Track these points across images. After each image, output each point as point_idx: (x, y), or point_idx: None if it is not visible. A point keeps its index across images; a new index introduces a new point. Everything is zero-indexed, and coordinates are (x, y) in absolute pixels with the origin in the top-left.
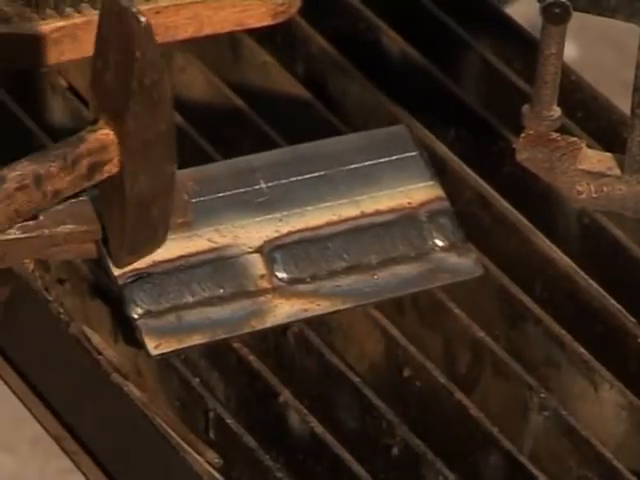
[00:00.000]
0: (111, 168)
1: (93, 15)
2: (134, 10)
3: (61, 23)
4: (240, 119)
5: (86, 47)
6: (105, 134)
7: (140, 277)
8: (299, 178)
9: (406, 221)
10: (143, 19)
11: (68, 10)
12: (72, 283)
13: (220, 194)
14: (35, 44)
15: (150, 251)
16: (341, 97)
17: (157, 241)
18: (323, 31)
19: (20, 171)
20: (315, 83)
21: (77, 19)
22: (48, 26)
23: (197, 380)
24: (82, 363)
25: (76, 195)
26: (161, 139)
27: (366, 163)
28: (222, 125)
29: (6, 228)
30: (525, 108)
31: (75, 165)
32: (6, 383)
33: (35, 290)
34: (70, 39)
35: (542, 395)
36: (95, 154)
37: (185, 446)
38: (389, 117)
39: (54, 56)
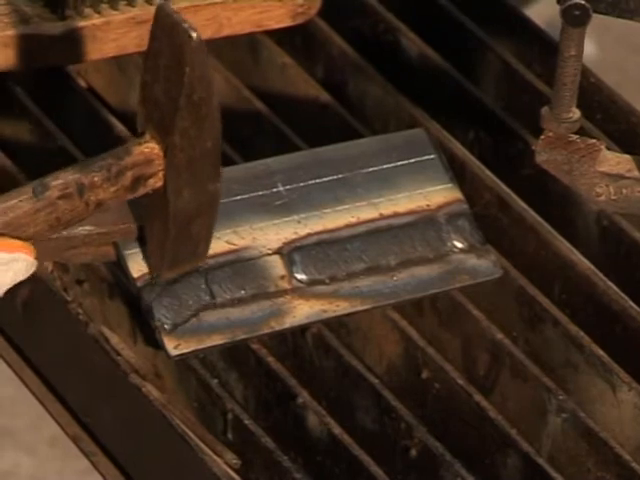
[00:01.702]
0: (155, 182)
1: (112, 16)
2: (186, 25)
3: (81, 24)
4: (259, 120)
5: (105, 48)
6: (151, 148)
7: (158, 284)
8: (317, 181)
9: (425, 223)
10: (194, 34)
11: (87, 11)
12: (91, 284)
13: (238, 197)
14: (54, 45)
15: (190, 266)
16: (360, 99)
17: (197, 256)
18: (342, 32)
19: (63, 180)
20: (334, 85)
21: (96, 20)
22: (67, 27)
23: (216, 381)
24: (101, 364)
25: None
26: (206, 156)
27: (384, 166)
28: (241, 126)
29: (47, 236)
30: (544, 110)
31: (119, 177)
32: (25, 384)
33: (54, 291)
34: (89, 40)
35: (560, 397)
36: (140, 167)
37: (203, 447)
38: (408, 119)
39: (73, 57)
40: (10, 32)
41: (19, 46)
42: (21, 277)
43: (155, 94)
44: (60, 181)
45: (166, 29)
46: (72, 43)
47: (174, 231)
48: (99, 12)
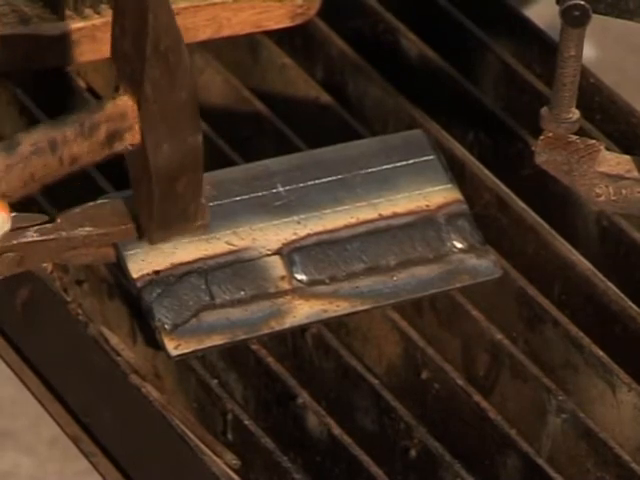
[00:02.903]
0: (132, 137)
1: (111, 16)
2: None
3: (80, 24)
4: (259, 120)
5: (105, 48)
6: (124, 101)
7: (158, 281)
8: (316, 182)
9: (424, 223)
10: None
11: (87, 11)
12: (90, 284)
13: (238, 198)
14: (54, 45)
15: (183, 230)
16: (360, 99)
17: (189, 219)
18: (342, 33)
19: (34, 135)
20: (334, 85)
21: (96, 20)
22: (67, 27)
23: (215, 382)
24: (100, 364)
25: (96, 197)
26: (182, 107)
27: (383, 167)
28: (240, 126)
29: (21, 193)
30: (544, 110)
31: (93, 131)
32: (25, 384)
33: (54, 291)
34: (89, 40)
35: (560, 397)
36: (114, 121)
37: (203, 448)
38: (408, 119)
39: (73, 57)
40: (10, 32)
41: (19, 46)
42: None
43: (124, 48)
44: (32, 136)
45: None
46: (72, 43)
47: (158, 189)
48: (98, 12)
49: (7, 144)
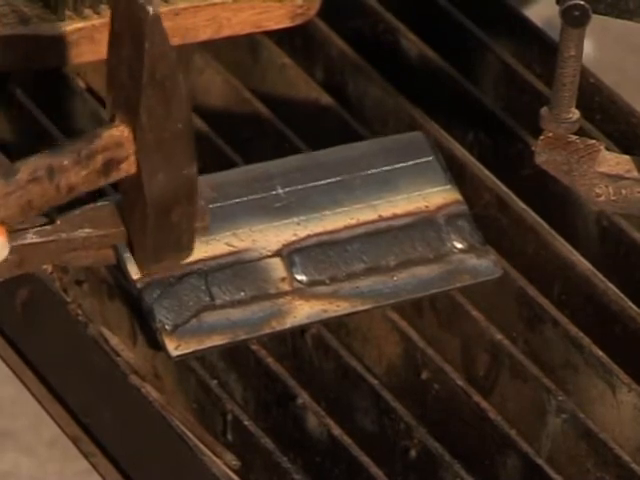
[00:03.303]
0: (128, 167)
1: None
2: (142, 1)
3: (80, 24)
4: (259, 121)
5: (104, 49)
6: (120, 130)
7: (158, 281)
8: (316, 184)
9: (424, 224)
10: (151, 9)
11: (87, 12)
12: (90, 284)
13: (237, 200)
14: (53, 45)
15: (175, 260)
16: (360, 99)
17: (181, 249)
18: (342, 33)
19: (32, 163)
20: (334, 85)
21: (95, 20)
22: (66, 27)
23: (215, 382)
24: (100, 365)
25: (96, 199)
26: (178, 138)
27: (383, 168)
28: (240, 127)
29: (19, 222)
30: (544, 110)
31: (89, 160)
32: (24, 384)
33: (53, 291)
34: (88, 40)
35: (560, 398)
36: (110, 150)
37: (203, 448)
38: (408, 119)
39: (72, 57)
40: (9, 33)
41: (18, 46)
42: None
43: (120, 77)
44: (29, 165)
45: (125, 8)
46: (71, 44)
47: (153, 218)
48: (98, 13)
49: (5, 171)
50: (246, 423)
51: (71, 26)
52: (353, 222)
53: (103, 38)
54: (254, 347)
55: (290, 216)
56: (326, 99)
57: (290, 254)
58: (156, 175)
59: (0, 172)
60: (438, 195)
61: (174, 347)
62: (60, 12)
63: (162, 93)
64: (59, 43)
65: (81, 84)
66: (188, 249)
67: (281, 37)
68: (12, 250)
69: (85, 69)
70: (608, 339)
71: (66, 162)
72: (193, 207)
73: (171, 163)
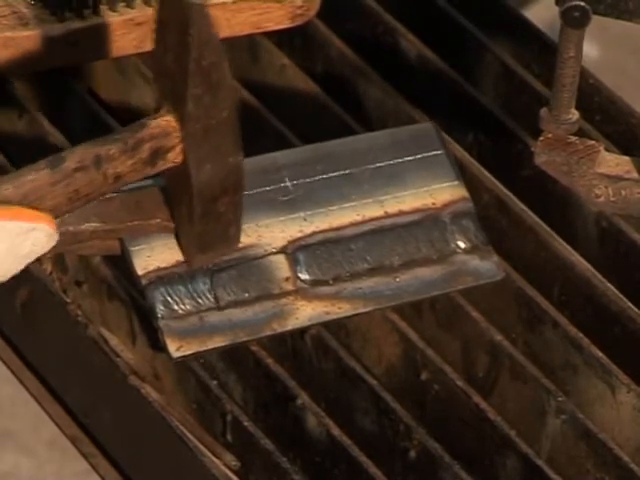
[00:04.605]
0: (175, 156)
1: (111, 17)
2: None
3: (80, 26)
4: (258, 122)
5: (105, 49)
6: (167, 120)
7: (163, 279)
8: (324, 176)
9: (429, 222)
10: None
11: (86, 12)
12: (90, 285)
13: (245, 192)
14: (53, 46)
15: (223, 252)
16: (359, 100)
17: (229, 241)
18: (341, 34)
19: (79, 152)
20: (333, 86)
21: (96, 21)
22: (66, 28)
23: (215, 382)
24: (99, 365)
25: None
26: (224, 127)
27: (391, 162)
28: (240, 127)
29: (67, 209)
30: (543, 111)
31: (136, 149)
32: (24, 385)
33: (53, 292)
34: (89, 41)
35: (559, 398)
36: (157, 139)
37: (202, 449)
38: (407, 120)
39: (72, 58)
40: (9, 33)
41: (18, 47)
42: (40, 249)
43: (166, 66)
44: (76, 153)
45: None
46: (71, 45)
47: (200, 209)
48: (98, 14)
49: (51, 161)
50: (246, 424)
51: (71, 27)
52: (359, 218)
53: (103, 38)
54: (254, 348)
55: (297, 211)
56: (326, 100)
57: (295, 251)
58: (203, 164)
59: (47, 161)
60: (445, 191)
61: (175, 348)
62: (60, 13)
63: (208, 81)
64: (59, 44)
65: (81, 85)
66: (235, 240)
67: (281, 38)
68: None
69: (85, 70)
70: (608, 340)
71: (113, 151)
72: (240, 196)
73: (218, 152)
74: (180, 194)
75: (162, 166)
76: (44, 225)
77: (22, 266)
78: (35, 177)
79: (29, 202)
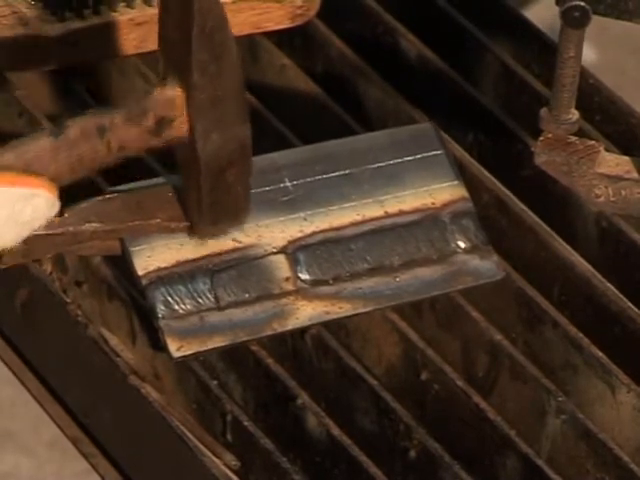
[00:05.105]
0: (181, 126)
1: (112, 17)
2: None
3: (80, 26)
4: (258, 122)
5: (105, 49)
6: (172, 89)
7: (164, 279)
8: (324, 176)
9: (429, 222)
10: None
11: (86, 12)
12: (90, 285)
13: None
14: (53, 46)
15: (232, 223)
16: (359, 100)
17: (238, 215)
18: (341, 34)
19: (82, 121)
20: (333, 86)
21: (96, 21)
22: (67, 29)
23: (215, 382)
24: (100, 365)
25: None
26: (230, 95)
27: (391, 162)
28: None
29: (70, 177)
30: (543, 111)
31: (141, 118)
32: (24, 385)
33: (53, 292)
34: (89, 41)
35: (559, 398)
36: (162, 108)
37: (203, 448)
38: (407, 120)
39: (72, 59)
40: (9, 33)
41: (18, 47)
42: (41, 215)
43: (171, 34)
44: (79, 122)
45: None
46: (71, 45)
47: (208, 180)
48: (98, 14)
49: (54, 129)
50: (246, 423)
51: (71, 27)
52: (359, 218)
53: (103, 38)
54: (254, 348)
55: (297, 211)
56: (326, 100)
57: (295, 251)
58: (209, 135)
59: (49, 130)
60: (445, 191)
61: (176, 348)
62: (60, 13)
63: (212, 48)
64: (59, 44)
65: (81, 84)
66: (245, 212)
67: (281, 38)
68: None
69: (84, 69)
70: (608, 340)
71: (117, 120)
72: (248, 168)
73: (224, 122)
74: (188, 167)
75: (168, 137)
76: (44, 191)
77: (24, 234)
78: (37, 144)
79: (31, 169)
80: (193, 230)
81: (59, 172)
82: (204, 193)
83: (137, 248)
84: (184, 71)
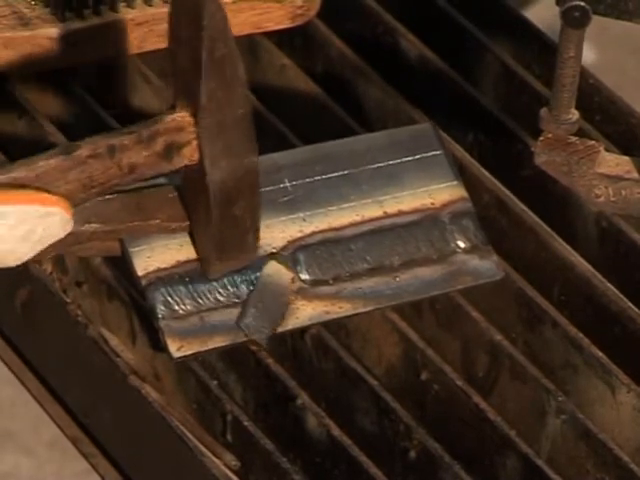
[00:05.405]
0: (190, 153)
1: (112, 17)
2: None
3: (80, 26)
4: (258, 122)
5: (105, 49)
6: (182, 115)
7: (164, 279)
8: (323, 177)
9: (429, 222)
10: None
11: (86, 12)
12: (90, 285)
13: None
14: (54, 46)
15: (240, 260)
16: (359, 100)
17: (247, 248)
18: (341, 34)
19: (93, 141)
20: (333, 86)
21: (96, 21)
22: (67, 29)
23: (215, 383)
24: (100, 365)
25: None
26: (238, 123)
27: (390, 162)
28: None
29: (82, 197)
30: (543, 111)
31: (150, 142)
32: (24, 385)
33: (53, 292)
34: (89, 42)
35: (559, 398)
36: (171, 134)
37: (203, 449)
38: (407, 120)
39: (73, 59)
40: (9, 34)
41: (19, 48)
42: (55, 233)
43: (181, 61)
44: (89, 142)
45: None
46: (72, 45)
47: (217, 211)
48: (98, 14)
49: (65, 148)
50: (246, 424)
51: (72, 27)
52: (358, 219)
53: (103, 39)
54: (254, 348)
55: (296, 211)
56: (325, 100)
57: (295, 252)
58: (218, 163)
59: (61, 148)
60: (444, 191)
61: (176, 348)
62: (60, 13)
63: (222, 74)
64: (59, 44)
65: (80, 84)
66: (253, 248)
67: (281, 38)
68: None
69: (84, 69)
70: (608, 340)
71: (127, 141)
72: (256, 201)
73: (232, 150)
74: (197, 197)
75: (178, 163)
76: (60, 210)
77: (37, 250)
78: (49, 162)
79: (43, 186)
80: (202, 268)
81: (71, 190)
82: (213, 226)
83: (137, 249)
84: (193, 97)
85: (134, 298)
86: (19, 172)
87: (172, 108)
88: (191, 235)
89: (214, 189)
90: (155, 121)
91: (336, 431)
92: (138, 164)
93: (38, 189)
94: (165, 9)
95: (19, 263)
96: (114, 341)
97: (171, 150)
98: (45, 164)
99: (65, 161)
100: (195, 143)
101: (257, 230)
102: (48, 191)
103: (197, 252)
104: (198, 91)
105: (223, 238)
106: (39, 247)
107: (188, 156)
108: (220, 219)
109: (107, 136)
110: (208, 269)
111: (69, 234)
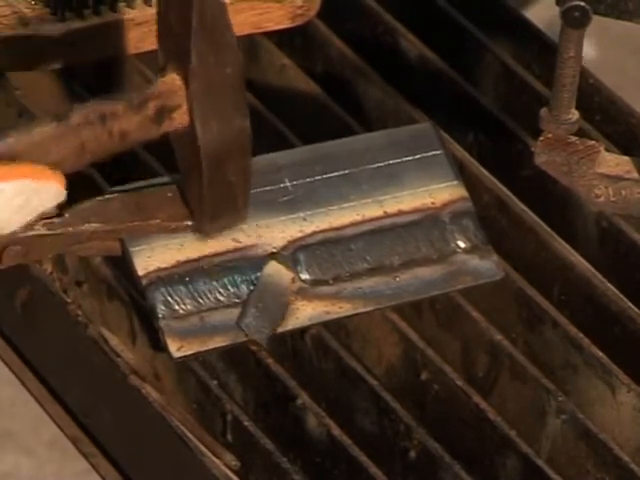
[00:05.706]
0: (181, 116)
1: (111, 17)
2: None
3: (80, 25)
4: (258, 122)
5: (105, 49)
6: (172, 78)
7: (164, 279)
8: (323, 177)
9: (429, 222)
10: None
11: (86, 12)
12: (90, 285)
13: None
14: (54, 46)
15: (232, 221)
16: (359, 100)
17: (238, 211)
18: (341, 34)
19: (84, 108)
20: (333, 86)
21: (96, 21)
22: (67, 28)
23: (215, 382)
24: (100, 365)
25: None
26: (229, 86)
27: (390, 162)
28: None
29: (74, 164)
30: (543, 111)
31: (141, 106)
32: (24, 385)
33: (53, 292)
34: (89, 41)
35: (560, 398)
36: (162, 97)
37: (203, 449)
38: (407, 120)
39: (72, 58)
40: (10, 33)
41: (19, 47)
42: (48, 204)
43: (170, 23)
44: (81, 109)
45: None
46: (71, 45)
47: (208, 173)
48: (98, 14)
49: (57, 115)
50: (246, 424)
51: (71, 27)
52: (359, 218)
53: (103, 38)
54: (254, 348)
55: (296, 211)
56: (325, 100)
57: (295, 252)
58: (209, 124)
59: (52, 116)
60: (444, 191)
61: (176, 348)
62: (60, 13)
63: (212, 37)
64: (59, 44)
65: (79, 84)
66: (244, 211)
67: (281, 38)
68: (19, 241)
69: (84, 69)
70: (608, 340)
71: (118, 108)
72: (247, 164)
73: (223, 113)
74: (189, 159)
75: (169, 126)
76: (54, 183)
77: (28, 219)
78: (41, 130)
79: (35, 154)
80: (195, 227)
81: (62, 157)
82: (204, 187)
83: (137, 248)
84: (183, 60)
85: (134, 298)
86: (11, 140)
87: (162, 71)
88: (182, 193)
89: (205, 152)
90: (145, 86)
91: (336, 431)
92: (130, 130)
93: (33, 161)
94: None
95: (10, 231)
96: (114, 341)
97: (162, 114)
98: (37, 133)
99: (57, 129)
100: (185, 107)
101: (247, 192)
102: (40, 160)
103: (190, 212)
104: (188, 53)
105: (215, 199)
106: (29, 217)
107: (179, 120)
108: (211, 179)
109: (98, 103)
110: (201, 227)
111: (69, 233)
